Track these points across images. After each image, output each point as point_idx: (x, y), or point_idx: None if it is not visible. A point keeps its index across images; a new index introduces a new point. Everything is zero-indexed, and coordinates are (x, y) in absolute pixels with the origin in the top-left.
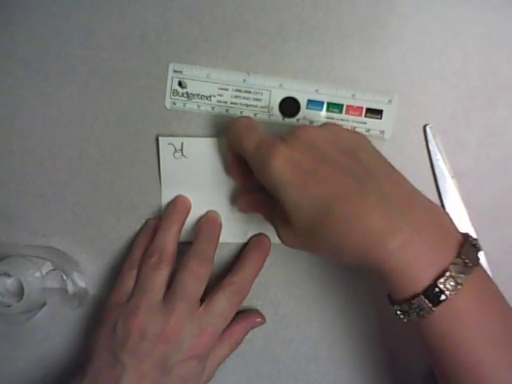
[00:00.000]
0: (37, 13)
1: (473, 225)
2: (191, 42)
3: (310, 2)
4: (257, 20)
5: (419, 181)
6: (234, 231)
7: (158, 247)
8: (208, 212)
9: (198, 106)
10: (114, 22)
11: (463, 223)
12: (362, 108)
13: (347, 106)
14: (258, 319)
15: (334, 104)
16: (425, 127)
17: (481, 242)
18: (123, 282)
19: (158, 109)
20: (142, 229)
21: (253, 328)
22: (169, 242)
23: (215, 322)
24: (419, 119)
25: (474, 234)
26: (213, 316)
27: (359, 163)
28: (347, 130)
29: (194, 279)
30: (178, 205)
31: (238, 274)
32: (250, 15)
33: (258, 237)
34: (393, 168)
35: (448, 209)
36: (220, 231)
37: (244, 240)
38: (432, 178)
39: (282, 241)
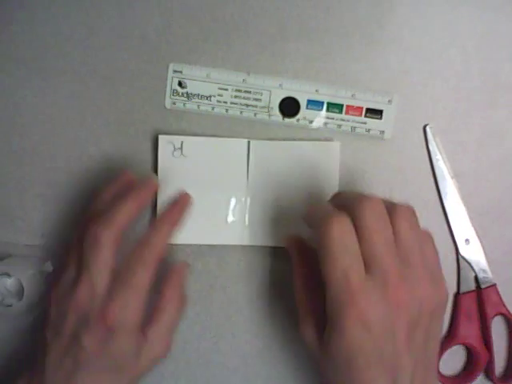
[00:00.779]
0: (37, 13)
1: (473, 225)
2: (191, 42)
3: (310, 2)
4: (257, 20)
5: (419, 181)
6: (231, 233)
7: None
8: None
9: (198, 106)
10: (114, 22)
11: (463, 223)
12: (362, 108)
13: (347, 106)
14: (180, 265)
15: (334, 104)
16: (425, 127)
17: (481, 242)
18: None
19: (157, 109)
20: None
21: (185, 278)
22: (124, 214)
23: (120, 287)
24: (419, 119)
25: (474, 234)
26: (117, 283)
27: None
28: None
29: (102, 250)
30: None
31: (145, 233)
32: (250, 15)
33: (180, 194)
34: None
35: (448, 209)
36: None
37: (242, 242)
38: (432, 178)
39: (304, 336)
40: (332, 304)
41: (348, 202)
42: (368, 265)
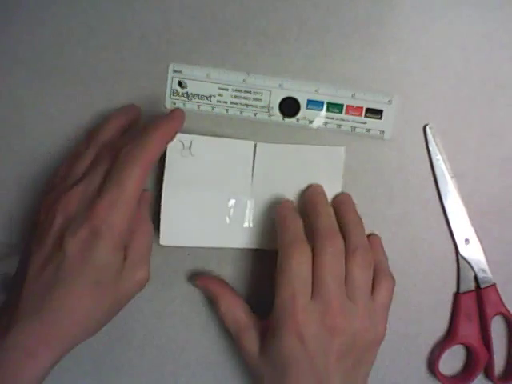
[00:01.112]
0: (37, 13)
1: (473, 225)
2: (191, 42)
3: (310, 2)
4: (257, 20)
5: (419, 181)
6: (233, 236)
7: (91, 133)
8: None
9: (198, 106)
10: (114, 22)
11: (463, 223)
12: (361, 108)
13: (347, 106)
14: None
15: (334, 104)
16: (425, 127)
17: (481, 242)
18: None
19: (157, 109)
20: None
21: (149, 200)
22: (106, 130)
23: (109, 189)
24: (419, 119)
25: (473, 234)
26: (107, 183)
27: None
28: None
29: (111, 158)
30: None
31: (138, 135)
32: (250, 15)
33: (172, 110)
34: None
35: (448, 209)
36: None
37: (244, 245)
38: (432, 178)
39: (245, 347)
40: (276, 317)
41: (315, 231)
42: (315, 292)
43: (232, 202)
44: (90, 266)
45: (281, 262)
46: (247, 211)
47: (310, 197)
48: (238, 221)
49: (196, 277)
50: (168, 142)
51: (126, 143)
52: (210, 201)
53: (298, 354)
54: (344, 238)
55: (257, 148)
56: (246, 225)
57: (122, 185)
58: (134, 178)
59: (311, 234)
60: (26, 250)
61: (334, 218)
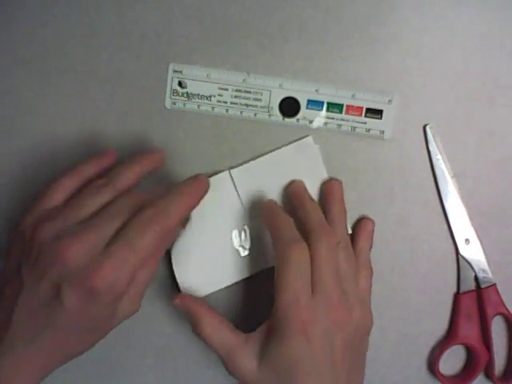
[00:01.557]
0: (37, 13)
1: (473, 225)
2: (191, 42)
3: (310, 2)
4: (257, 20)
5: (419, 181)
6: (246, 266)
7: (113, 173)
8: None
9: (198, 106)
10: (114, 21)
11: (463, 223)
12: (362, 108)
13: (347, 105)
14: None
15: (334, 104)
16: (425, 127)
17: (481, 242)
18: (49, 193)
19: (158, 109)
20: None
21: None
22: (128, 175)
23: (121, 252)
24: (419, 119)
25: (474, 234)
26: (119, 245)
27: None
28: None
29: (126, 213)
30: (150, 153)
31: (162, 198)
32: (250, 15)
33: (196, 175)
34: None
35: (448, 209)
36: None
37: (254, 271)
38: (432, 178)
39: (240, 365)
40: (279, 320)
41: (307, 227)
42: (315, 288)
43: (235, 232)
44: (86, 317)
45: (280, 263)
46: (247, 236)
47: (294, 193)
48: (245, 249)
49: (175, 295)
50: (190, 210)
51: (148, 202)
52: (216, 241)
53: (304, 353)
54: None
55: (232, 174)
56: (246, 252)
57: (133, 248)
58: (147, 243)
59: (301, 230)
60: (10, 269)
61: (320, 211)
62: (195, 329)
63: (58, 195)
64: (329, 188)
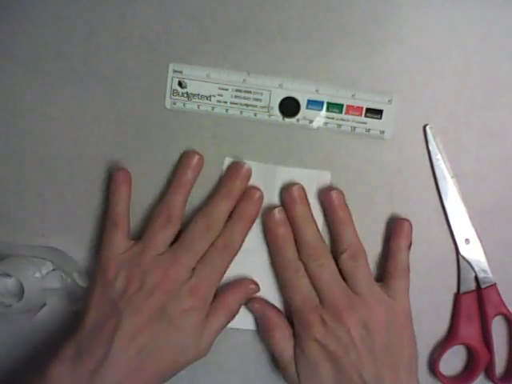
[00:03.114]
0: (37, 13)
1: (473, 225)
2: (191, 42)
3: (310, 2)
4: (257, 20)
5: (419, 181)
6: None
7: (166, 206)
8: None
9: (198, 106)
10: (114, 22)
11: (463, 223)
12: (362, 108)
13: (347, 105)
14: (252, 286)
15: (334, 104)
16: (425, 127)
17: (481, 242)
18: (112, 236)
19: (158, 109)
20: (114, 180)
21: (247, 296)
22: (178, 203)
23: (208, 275)
24: (419, 119)
25: (474, 234)
26: (206, 269)
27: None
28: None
29: (201, 237)
30: (190, 162)
31: (228, 227)
32: (250, 15)
33: (249, 190)
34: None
35: (448, 209)
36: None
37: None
38: (432, 178)
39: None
40: (295, 327)
41: (301, 245)
42: (320, 297)
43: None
44: (184, 334)
45: (281, 281)
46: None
47: (290, 207)
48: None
49: (253, 300)
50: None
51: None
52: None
53: (322, 356)
54: (335, 237)
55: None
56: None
57: (215, 270)
58: (225, 267)
59: (297, 244)
60: (99, 303)
61: (315, 227)
62: (266, 332)
63: (120, 236)
64: (329, 197)
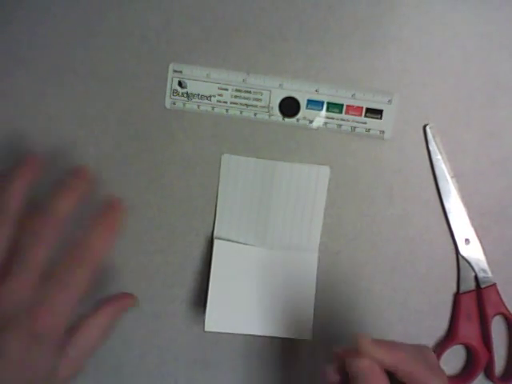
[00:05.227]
0: (37, 13)
1: (473, 225)
2: (191, 42)
3: (310, 2)
4: (257, 20)
5: (419, 181)
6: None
7: None
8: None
9: (198, 106)
10: (114, 22)
11: (463, 223)
12: (361, 108)
13: (347, 106)
14: (127, 300)
15: (334, 104)
16: (425, 127)
17: (481, 242)
18: None
19: (158, 109)
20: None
21: (121, 311)
22: (11, 197)
23: (55, 293)
24: (419, 119)
25: (473, 234)
26: (51, 286)
27: None
28: None
29: (36, 242)
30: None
31: (85, 236)
32: (250, 15)
33: (109, 200)
34: None
35: (448, 209)
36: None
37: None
38: (432, 178)
39: None
40: None
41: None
42: None
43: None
44: (28, 368)
45: None
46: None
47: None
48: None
49: (359, 358)
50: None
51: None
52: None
53: None
54: None
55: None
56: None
57: (69, 289)
58: (81, 283)
59: None
60: None
61: None
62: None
63: None
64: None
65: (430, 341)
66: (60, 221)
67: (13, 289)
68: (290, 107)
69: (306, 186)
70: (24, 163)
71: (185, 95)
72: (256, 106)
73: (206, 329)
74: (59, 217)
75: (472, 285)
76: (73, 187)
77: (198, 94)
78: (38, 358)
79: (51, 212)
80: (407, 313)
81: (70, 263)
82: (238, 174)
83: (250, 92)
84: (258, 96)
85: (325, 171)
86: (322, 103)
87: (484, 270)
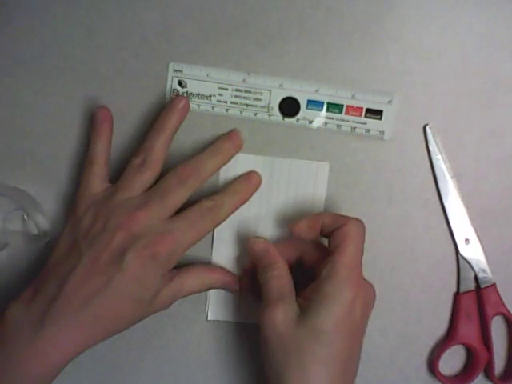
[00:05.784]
0: (37, 13)
1: (473, 225)
2: (191, 42)
3: (310, 2)
4: (257, 20)
5: (419, 181)
6: None
7: (145, 149)
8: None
9: (198, 106)
10: (114, 21)
11: (463, 223)
12: (361, 108)
13: (347, 106)
14: (233, 284)
15: (334, 104)
16: (425, 127)
17: (481, 242)
18: (87, 175)
19: (158, 109)
20: (95, 118)
21: (224, 287)
22: (158, 147)
23: (183, 228)
24: (419, 119)
25: (473, 234)
26: (182, 222)
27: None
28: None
29: (179, 185)
30: (175, 106)
31: (220, 194)
32: (250, 15)
33: (248, 172)
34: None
35: (448, 209)
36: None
37: None
38: (432, 178)
39: (275, 318)
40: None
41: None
42: None
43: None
44: (139, 284)
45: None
46: None
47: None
48: None
49: (255, 238)
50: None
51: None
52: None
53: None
54: None
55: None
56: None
57: (193, 227)
58: (204, 229)
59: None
60: (65, 241)
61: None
62: (267, 267)
63: (96, 178)
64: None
65: (430, 341)
66: (204, 176)
67: (150, 217)
68: (290, 107)
69: (305, 182)
70: (174, 110)
71: (185, 95)
72: (256, 106)
73: (210, 318)
74: (205, 173)
75: (472, 285)
76: (223, 151)
77: (198, 94)
78: (149, 278)
79: (200, 166)
80: (407, 313)
81: (200, 210)
82: (237, 170)
83: (250, 92)
84: (258, 96)
85: (324, 167)
86: (322, 103)
87: (484, 270)
